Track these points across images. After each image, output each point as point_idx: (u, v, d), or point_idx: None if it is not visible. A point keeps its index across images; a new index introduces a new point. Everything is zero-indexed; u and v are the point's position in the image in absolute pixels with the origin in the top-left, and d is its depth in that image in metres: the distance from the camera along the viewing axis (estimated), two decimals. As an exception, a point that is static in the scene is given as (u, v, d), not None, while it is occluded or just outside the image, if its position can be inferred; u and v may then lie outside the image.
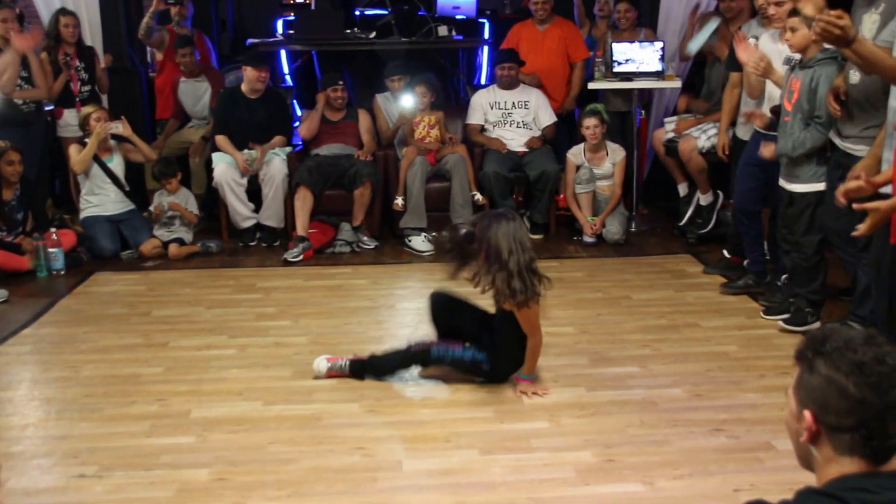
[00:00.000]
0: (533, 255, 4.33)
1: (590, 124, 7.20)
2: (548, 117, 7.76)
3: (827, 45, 4.89)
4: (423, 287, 6.28)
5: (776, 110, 5.20)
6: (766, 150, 5.22)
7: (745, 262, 6.06)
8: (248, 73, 7.49)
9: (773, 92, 5.47)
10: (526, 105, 7.72)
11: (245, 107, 7.48)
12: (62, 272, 6.65)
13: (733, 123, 6.28)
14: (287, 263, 6.85)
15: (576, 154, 7.40)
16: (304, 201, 7.11)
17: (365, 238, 7.27)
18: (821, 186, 4.99)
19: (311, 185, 7.13)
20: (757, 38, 5.78)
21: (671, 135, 7.29)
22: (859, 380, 1.72)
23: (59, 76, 7.58)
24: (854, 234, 3.85)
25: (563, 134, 8.01)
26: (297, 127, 7.82)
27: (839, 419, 1.75)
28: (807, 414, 1.79)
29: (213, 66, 8.63)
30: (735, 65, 6.01)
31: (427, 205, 7.32)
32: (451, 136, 7.66)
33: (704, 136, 6.88)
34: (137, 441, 3.98)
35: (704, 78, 7.38)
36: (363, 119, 7.64)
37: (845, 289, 5.58)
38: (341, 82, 7.57)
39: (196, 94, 8.17)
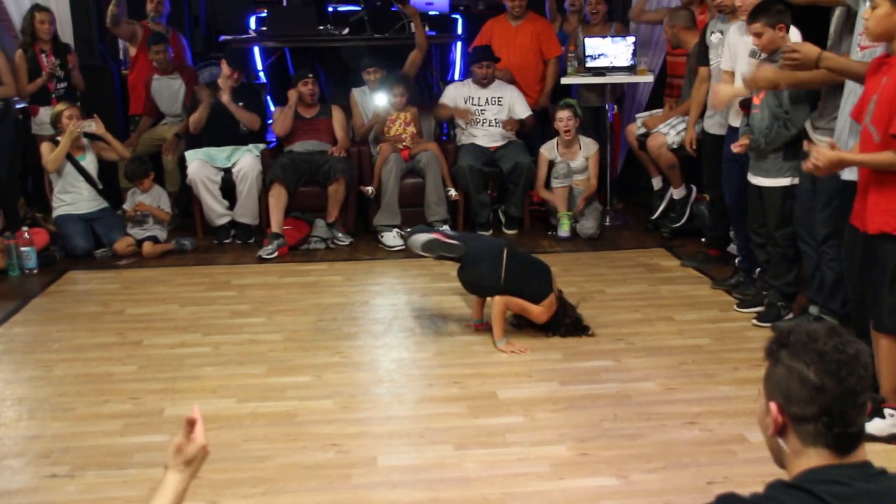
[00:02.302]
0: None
1: (563, 117, 7.22)
2: (524, 110, 7.75)
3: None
4: (398, 283, 6.31)
5: (746, 104, 5.24)
6: (736, 147, 5.25)
7: (737, 260, 6.06)
8: (224, 67, 7.50)
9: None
10: (499, 102, 7.70)
11: (219, 101, 7.44)
12: (35, 271, 6.61)
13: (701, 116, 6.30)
14: (262, 260, 6.84)
15: (549, 149, 7.42)
16: (278, 198, 7.09)
17: (339, 234, 7.27)
18: (787, 181, 5.03)
19: (285, 182, 7.11)
20: (722, 32, 5.82)
21: (643, 129, 7.31)
22: (819, 367, 1.77)
23: (37, 78, 7.53)
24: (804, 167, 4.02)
25: (536, 130, 8.02)
26: (270, 124, 7.79)
27: (802, 408, 1.79)
28: (772, 406, 1.83)
29: (188, 63, 8.58)
30: (703, 59, 6.05)
31: (400, 201, 7.32)
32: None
33: (674, 132, 6.89)
34: (110, 440, 3.97)
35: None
36: (337, 115, 7.62)
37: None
38: (311, 75, 7.53)
39: (170, 92, 8.12)
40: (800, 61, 4.32)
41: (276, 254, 6.90)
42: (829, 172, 3.95)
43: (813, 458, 1.80)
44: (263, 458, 3.78)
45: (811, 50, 4.27)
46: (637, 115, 7.61)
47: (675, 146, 6.90)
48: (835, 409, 1.76)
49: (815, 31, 4.95)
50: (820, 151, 3.84)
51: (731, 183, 5.74)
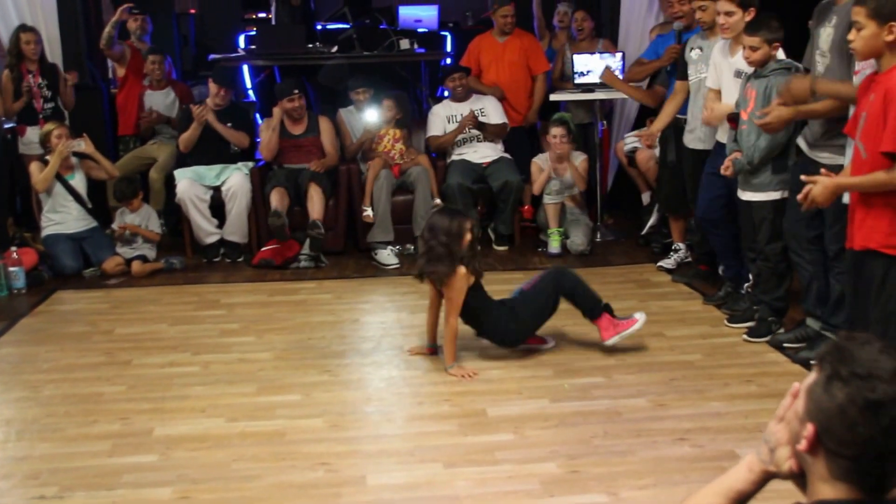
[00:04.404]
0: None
1: (557, 133, 7.23)
2: (498, 117, 7.75)
3: (781, 58, 5.00)
4: (387, 301, 6.30)
5: (733, 118, 5.25)
6: (726, 170, 5.25)
7: (721, 270, 6.08)
8: (210, 86, 7.49)
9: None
10: (482, 113, 7.69)
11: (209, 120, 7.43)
12: (23, 291, 6.59)
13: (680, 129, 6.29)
14: (252, 279, 6.82)
15: (543, 160, 7.44)
16: (281, 196, 7.09)
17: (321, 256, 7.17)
18: (777, 195, 5.04)
19: (287, 188, 7.12)
20: (702, 49, 5.84)
21: (632, 145, 7.32)
22: (871, 420, 1.64)
23: (20, 97, 7.54)
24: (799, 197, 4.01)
25: (525, 146, 8.03)
26: (258, 143, 7.77)
27: (839, 447, 1.68)
28: (810, 427, 1.72)
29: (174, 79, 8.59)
30: (681, 74, 6.09)
31: (392, 218, 7.32)
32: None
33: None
34: (99, 461, 3.94)
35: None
36: (325, 127, 7.54)
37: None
38: (297, 91, 7.42)
39: (164, 106, 8.11)
40: (798, 97, 4.38)
41: (284, 221, 6.95)
42: (831, 200, 3.95)
43: (839, 491, 1.71)
44: (252, 478, 3.76)
45: (803, 83, 4.33)
46: (626, 135, 7.61)
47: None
48: (873, 463, 1.67)
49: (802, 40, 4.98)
50: (818, 180, 3.86)
51: (708, 194, 5.76)
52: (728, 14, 5.32)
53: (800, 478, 1.82)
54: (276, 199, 7.07)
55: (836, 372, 1.69)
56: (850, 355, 1.70)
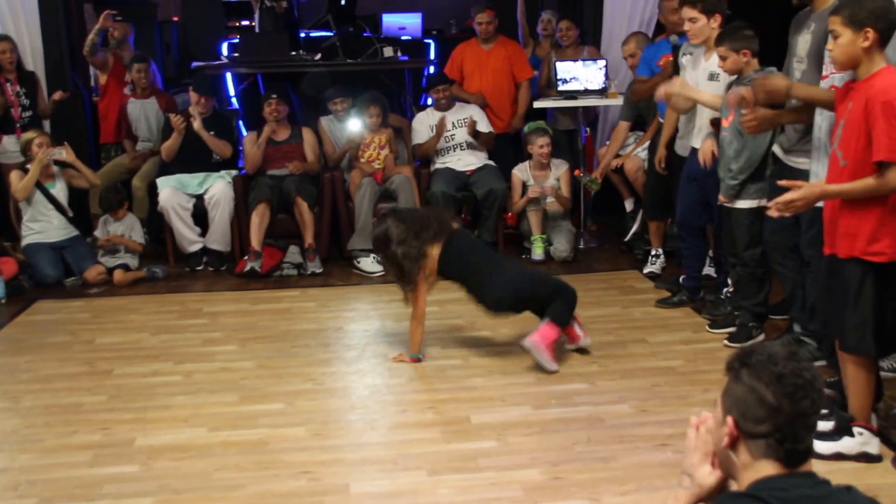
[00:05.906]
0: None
1: (542, 143, 7.25)
2: (485, 126, 7.77)
3: (769, 68, 5.01)
4: (371, 309, 6.28)
5: (717, 122, 5.27)
6: (703, 156, 5.30)
7: (681, 278, 6.11)
8: (191, 95, 7.47)
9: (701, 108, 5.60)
10: (466, 123, 7.72)
11: (190, 128, 7.40)
12: (3, 301, 6.54)
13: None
14: (237, 287, 6.81)
15: (522, 170, 7.45)
16: (262, 217, 7.05)
17: (309, 263, 7.13)
18: (755, 203, 5.07)
19: (271, 202, 7.09)
20: (691, 54, 5.85)
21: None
22: (777, 389, 1.94)
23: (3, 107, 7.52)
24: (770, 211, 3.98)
25: (509, 153, 8.04)
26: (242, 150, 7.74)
27: (756, 425, 1.97)
28: (729, 419, 2.02)
29: (159, 89, 8.56)
30: None
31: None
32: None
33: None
34: (80, 471, 3.92)
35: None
36: (308, 137, 7.54)
37: (779, 303, 5.60)
38: (274, 95, 7.47)
39: (146, 115, 8.06)
40: (771, 93, 4.39)
41: (261, 269, 6.89)
42: (809, 207, 3.96)
43: (761, 471, 1.96)
44: (235, 487, 3.75)
45: (780, 81, 4.34)
46: (641, 152, 7.56)
47: None
48: (787, 428, 1.94)
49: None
50: (802, 186, 3.85)
51: (685, 199, 5.81)
52: (692, 21, 5.40)
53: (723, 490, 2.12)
54: (258, 221, 7.03)
55: (742, 364, 2.02)
56: (751, 350, 2.03)
